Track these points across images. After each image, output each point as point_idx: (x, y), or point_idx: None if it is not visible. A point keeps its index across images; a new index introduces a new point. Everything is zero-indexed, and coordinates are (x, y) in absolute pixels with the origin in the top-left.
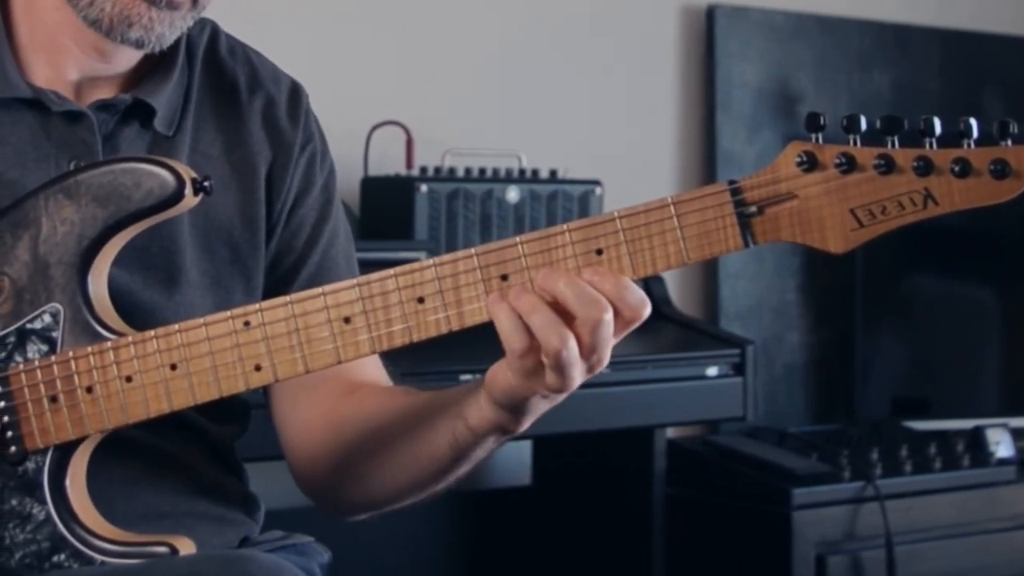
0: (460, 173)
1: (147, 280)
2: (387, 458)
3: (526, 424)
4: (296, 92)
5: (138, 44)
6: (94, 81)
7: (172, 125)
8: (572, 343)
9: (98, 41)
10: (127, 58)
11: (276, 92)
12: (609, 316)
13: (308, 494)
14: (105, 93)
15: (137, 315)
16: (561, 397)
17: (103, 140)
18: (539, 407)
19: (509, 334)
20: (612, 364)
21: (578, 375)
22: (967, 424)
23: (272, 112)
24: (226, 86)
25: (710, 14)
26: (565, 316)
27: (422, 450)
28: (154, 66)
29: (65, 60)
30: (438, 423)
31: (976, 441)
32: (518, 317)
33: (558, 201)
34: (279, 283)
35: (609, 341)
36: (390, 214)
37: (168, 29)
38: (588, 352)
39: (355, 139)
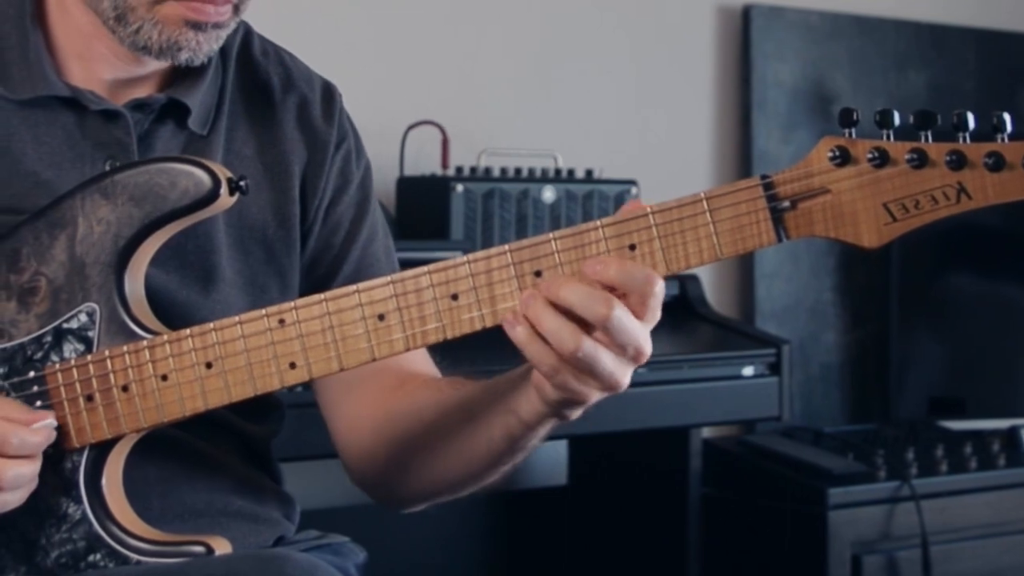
0: (496, 173)
1: (183, 280)
2: (443, 451)
3: (580, 413)
4: (329, 91)
5: (187, 63)
6: (128, 81)
7: (206, 124)
8: (586, 343)
9: (123, 50)
10: (162, 63)
11: (309, 92)
12: (619, 311)
13: (362, 487)
14: (140, 92)
15: (174, 314)
16: (616, 391)
17: (138, 139)
18: (592, 399)
19: (534, 356)
20: (648, 364)
21: (616, 371)
22: (1003, 424)
23: (306, 112)
24: (260, 87)
25: (746, 14)
26: (581, 321)
27: (477, 443)
28: (188, 66)
29: (98, 65)
30: (492, 417)
31: (1012, 441)
32: (537, 335)
33: (594, 201)
34: (321, 281)
35: (635, 331)
36: (426, 214)
37: (215, 44)
38: (618, 349)
39: (391, 139)
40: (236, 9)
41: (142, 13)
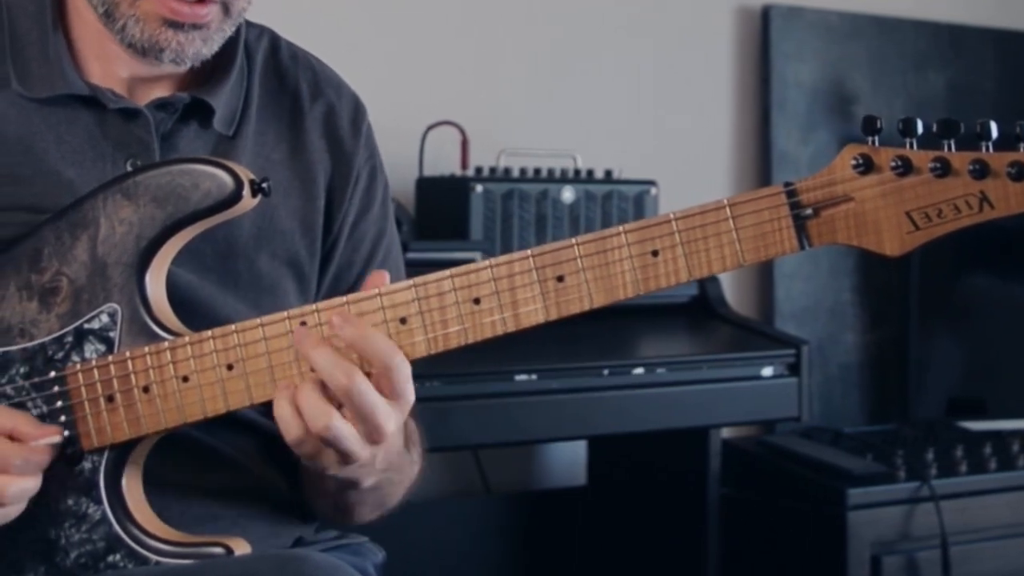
0: (515, 173)
1: (207, 279)
2: (310, 489)
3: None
4: (358, 105)
5: (174, 63)
6: (149, 80)
7: (232, 125)
8: (334, 423)
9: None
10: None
11: (337, 101)
12: (361, 384)
13: None
14: (162, 91)
15: (197, 313)
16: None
17: (162, 139)
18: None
19: (282, 424)
20: (667, 364)
21: (356, 449)
22: (1022, 424)
23: (333, 121)
24: (288, 92)
25: (765, 14)
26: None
27: (318, 485)
28: (212, 66)
29: (115, 63)
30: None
31: None
32: (295, 407)
33: (613, 201)
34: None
35: (374, 405)
36: (445, 214)
37: (203, 45)
38: (358, 422)
39: (410, 139)
40: (226, 10)
41: (124, 9)
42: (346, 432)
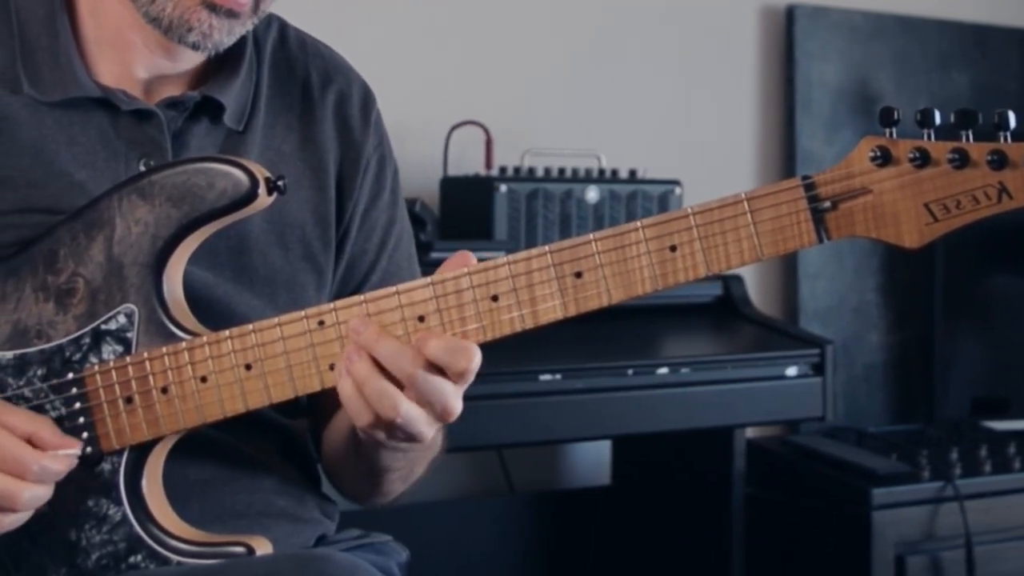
0: (539, 173)
1: (223, 276)
2: (346, 470)
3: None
4: (367, 92)
5: (194, 47)
6: (162, 79)
7: (242, 121)
8: (404, 408)
9: (161, 38)
10: (192, 56)
11: (346, 87)
12: (425, 371)
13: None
14: (173, 90)
15: (214, 311)
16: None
17: (172, 138)
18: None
19: (353, 412)
20: (692, 364)
21: (424, 429)
22: None
23: (344, 108)
24: (298, 82)
25: (790, 14)
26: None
27: (361, 464)
28: (221, 63)
29: (132, 57)
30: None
31: None
32: (360, 393)
33: (637, 201)
34: (356, 288)
35: (442, 390)
36: (469, 214)
37: (227, 36)
38: (426, 406)
39: (435, 139)
40: (256, 6)
41: None
42: (415, 415)
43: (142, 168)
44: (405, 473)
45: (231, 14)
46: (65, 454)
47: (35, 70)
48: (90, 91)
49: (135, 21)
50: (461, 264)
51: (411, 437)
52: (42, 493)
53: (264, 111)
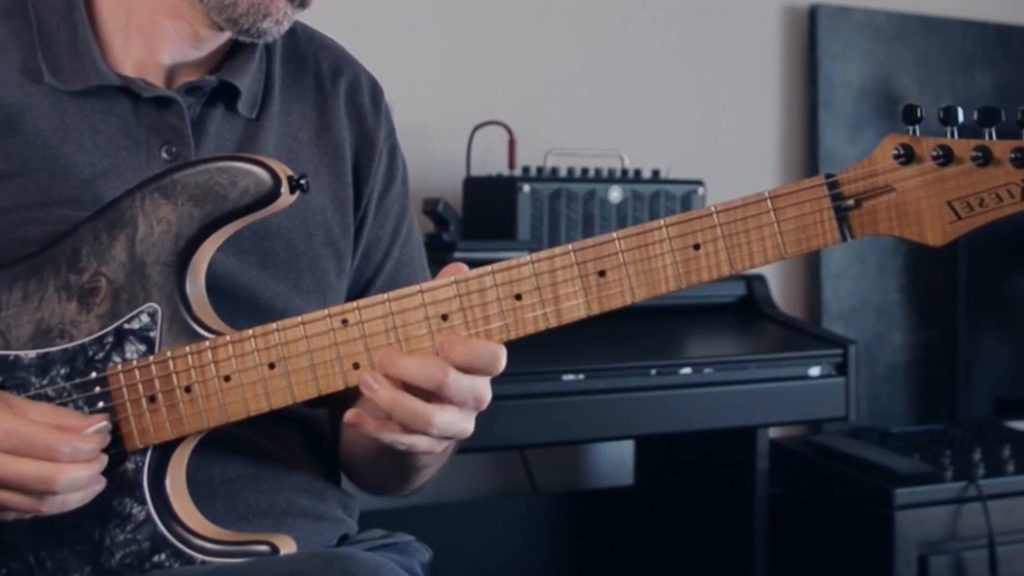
0: (563, 173)
1: (247, 262)
2: (364, 464)
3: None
4: (375, 83)
5: (258, 35)
6: (182, 66)
7: (255, 108)
8: (437, 418)
9: (196, 22)
10: (214, 42)
11: (356, 78)
12: (453, 375)
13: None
14: (191, 76)
15: (239, 298)
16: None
17: (192, 124)
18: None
19: (384, 438)
20: (714, 364)
21: (465, 426)
22: None
23: (355, 96)
24: (310, 72)
25: (813, 14)
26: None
27: (381, 460)
28: (235, 49)
29: (160, 44)
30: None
31: None
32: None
33: (660, 201)
34: (369, 276)
35: (472, 386)
36: (492, 214)
37: (287, 25)
38: (461, 405)
39: (458, 139)
40: (303, 3)
41: None
42: (452, 419)
43: (164, 156)
44: (439, 465)
45: (303, 4)
46: (95, 430)
47: (55, 60)
48: (110, 79)
49: (173, 8)
50: (451, 275)
51: (454, 436)
52: (83, 474)
53: (279, 100)
